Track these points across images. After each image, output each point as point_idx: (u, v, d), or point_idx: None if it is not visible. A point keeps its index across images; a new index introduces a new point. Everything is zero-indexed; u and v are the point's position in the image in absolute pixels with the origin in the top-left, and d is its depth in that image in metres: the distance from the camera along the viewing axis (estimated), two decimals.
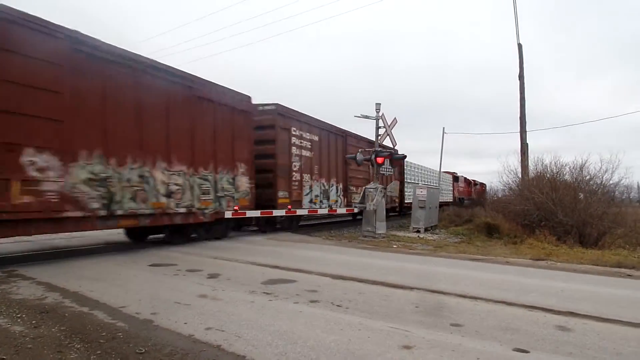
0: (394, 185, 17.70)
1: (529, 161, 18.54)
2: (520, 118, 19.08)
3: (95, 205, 7.70)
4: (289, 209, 12.98)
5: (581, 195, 14.33)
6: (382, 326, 3.90)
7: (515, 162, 19.32)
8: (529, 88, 20.85)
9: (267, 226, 13.35)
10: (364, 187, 14.38)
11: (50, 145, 7.01)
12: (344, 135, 16.71)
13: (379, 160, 13.48)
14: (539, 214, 14.17)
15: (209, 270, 6.62)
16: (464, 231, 15.71)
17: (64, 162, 7.19)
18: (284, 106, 13.10)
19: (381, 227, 13.13)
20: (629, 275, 7.07)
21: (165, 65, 9.38)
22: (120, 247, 9.33)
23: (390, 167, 14.77)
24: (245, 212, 11.42)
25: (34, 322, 3.83)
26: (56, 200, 7.07)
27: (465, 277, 6.62)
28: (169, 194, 9.17)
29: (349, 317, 4.18)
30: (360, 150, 15.03)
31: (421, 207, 16.08)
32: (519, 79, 19.15)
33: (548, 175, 16.18)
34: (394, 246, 11.01)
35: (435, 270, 7.14)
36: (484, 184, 47.86)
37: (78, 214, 7.41)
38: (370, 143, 16.99)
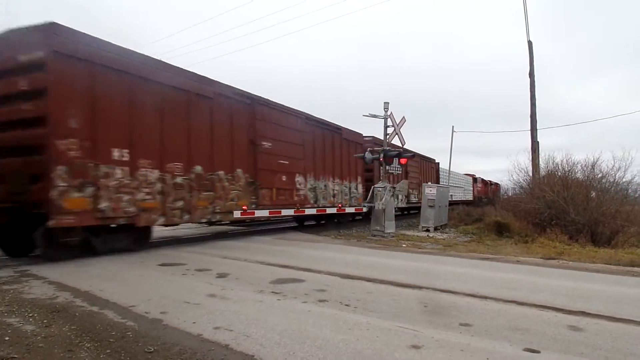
0: (403, 185, 17.68)
1: (540, 159, 18.37)
2: (531, 116, 18.88)
3: (312, 201, 14.18)
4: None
5: (593, 194, 14.15)
6: (390, 326, 3.88)
7: (525, 161, 19.22)
8: (540, 86, 20.63)
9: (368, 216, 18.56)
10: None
11: (302, 171, 13.58)
12: (413, 154, 20.52)
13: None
14: (550, 213, 14.02)
15: (218, 269, 6.65)
16: (474, 230, 15.61)
17: (305, 179, 13.79)
18: (377, 137, 18.05)
19: (390, 226, 13.09)
20: None
21: (332, 122, 15.57)
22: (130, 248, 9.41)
23: (399, 166, 14.73)
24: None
25: (45, 321, 3.87)
26: (303, 198, 13.62)
27: (475, 276, 6.57)
28: (334, 195, 15.51)
29: (357, 317, 4.16)
30: (368, 149, 15.16)
31: (430, 206, 16.00)
32: (530, 77, 18.96)
33: (559, 173, 16.02)
34: (403, 245, 10.97)
35: (444, 270, 7.09)
36: (498, 184, 48.73)
37: (309, 205, 13.99)
38: (424, 159, 25.67)
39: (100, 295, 4.88)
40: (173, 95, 9.06)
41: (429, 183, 23.17)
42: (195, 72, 9.84)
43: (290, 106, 13.30)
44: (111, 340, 3.41)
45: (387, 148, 13.95)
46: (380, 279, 6.10)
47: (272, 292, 5.19)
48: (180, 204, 9.02)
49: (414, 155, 18.48)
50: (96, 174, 7.48)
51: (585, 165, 15.33)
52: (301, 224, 16.37)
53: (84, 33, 7.56)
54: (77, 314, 4.12)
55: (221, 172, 10.19)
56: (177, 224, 9.63)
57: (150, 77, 8.55)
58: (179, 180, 9.02)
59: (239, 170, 10.79)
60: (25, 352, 3.15)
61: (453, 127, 37.10)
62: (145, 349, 3.22)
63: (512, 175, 20.06)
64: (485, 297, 5.06)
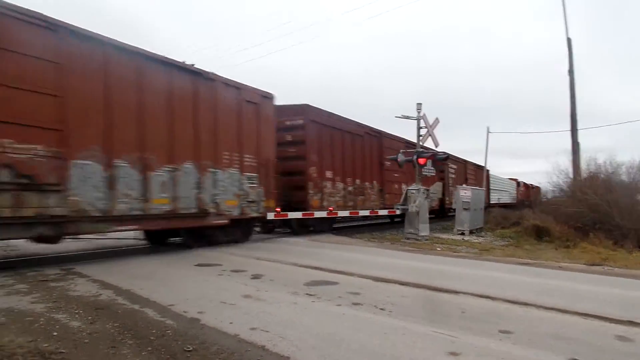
0: (436, 187, 17.45)
1: (581, 161, 17.67)
2: (571, 115, 18.20)
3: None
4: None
5: None
6: (427, 331, 3.82)
7: (566, 162, 18.54)
8: (579, 84, 19.85)
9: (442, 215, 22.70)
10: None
11: (402, 180, 17.45)
12: (447, 156, 22.30)
13: (421, 161, 13.35)
14: (593, 217, 13.43)
15: (253, 270, 6.72)
16: (512, 234, 15.12)
17: (405, 186, 15.98)
18: (453, 154, 22.01)
19: (424, 229, 12.88)
20: None
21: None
22: (166, 249, 9.69)
23: (432, 168, 14.50)
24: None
25: (90, 318, 4.03)
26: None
27: (514, 281, 6.37)
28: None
29: (392, 321, 4.12)
30: (401, 151, 14.95)
31: (465, 209, 15.65)
32: (569, 74, 18.31)
33: (602, 176, 15.36)
34: (438, 249, 10.78)
35: (481, 274, 6.91)
36: (539, 187, 48.46)
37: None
38: (477, 166, 29.10)
39: (140, 293, 5.04)
40: (348, 137, 14.52)
41: (464, 185, 22.70)
42: (356, 120, 15.19)
43: (396, 134, 17.67)
44: (152, 338, 3.51)
45: (421, 150, 13.74)
46: (414, 282, 6.01)
47: (307, 294, 5.20)
48: (351, 203, 14.49)
49: (447, 157, 18.31)
50: (321, 186, 13.03)
51: (631, 166, 14.65)
52: (392, 220, 19.96)
53: (316, 107, 13.14)
54: (119, 312, 4.27)
55: (367, 183, 15.57)
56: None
57: (338, 126, 13.98)
58: (350, 189, 14.54)
59: (374, 182, 16.04)
60: (73, 347, 3.29)
61: (488, 128, 36.01)
62: (184, 348, 3.30)
63: (551, 178, 19.45)
64: (526, 304, 4.89)
